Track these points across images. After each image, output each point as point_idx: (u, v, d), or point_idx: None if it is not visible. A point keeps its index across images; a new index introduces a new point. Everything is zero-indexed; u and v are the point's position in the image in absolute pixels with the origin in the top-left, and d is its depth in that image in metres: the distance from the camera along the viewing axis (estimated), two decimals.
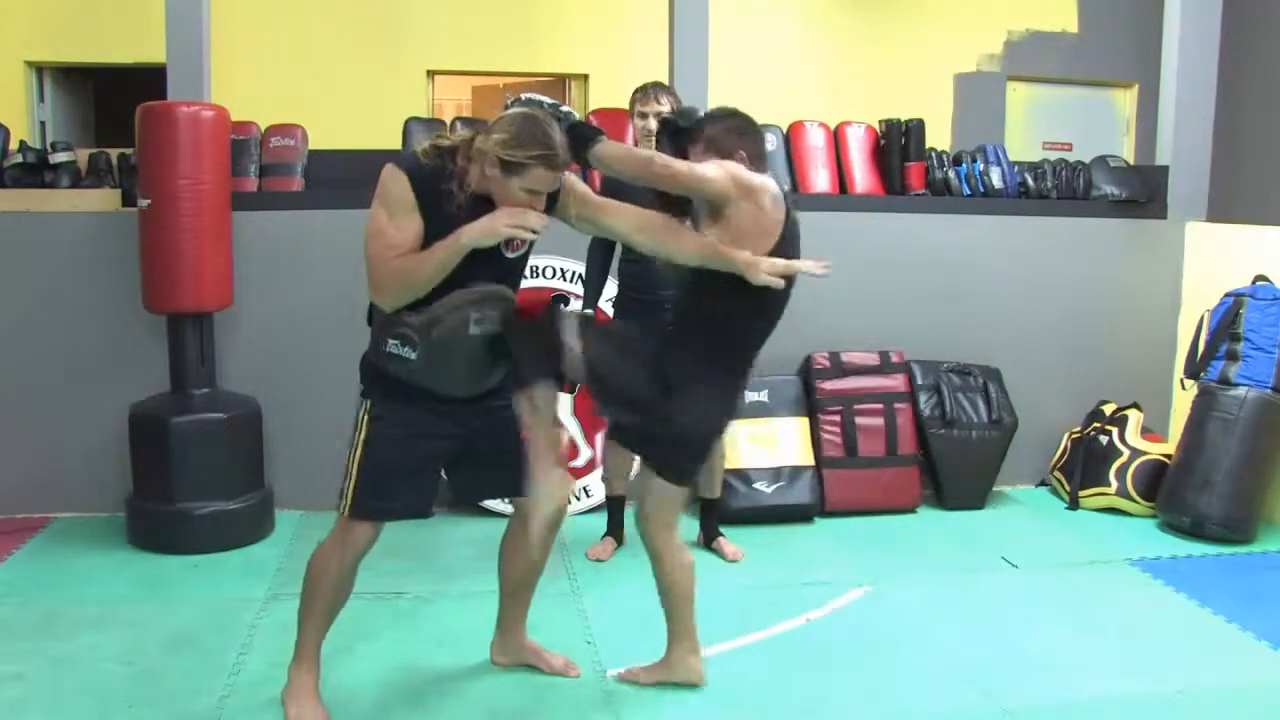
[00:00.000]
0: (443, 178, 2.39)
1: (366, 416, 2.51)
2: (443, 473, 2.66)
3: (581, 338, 2.43)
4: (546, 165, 2.35)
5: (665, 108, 3.54)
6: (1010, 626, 3.13)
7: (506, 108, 2.48)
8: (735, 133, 2.60)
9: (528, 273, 4.21)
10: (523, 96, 2.52)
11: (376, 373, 2.48)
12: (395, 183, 2.38)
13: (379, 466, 2.49)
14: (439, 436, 2.54)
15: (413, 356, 2.39)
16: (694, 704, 2.72)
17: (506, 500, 2.80)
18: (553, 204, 2.50)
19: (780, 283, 2.46)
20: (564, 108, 2.49)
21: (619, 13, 6.04)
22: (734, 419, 2.73)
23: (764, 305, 2.57)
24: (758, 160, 2.60)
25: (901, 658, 3.01)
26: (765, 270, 2.44)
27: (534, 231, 2.39)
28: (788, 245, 2.54)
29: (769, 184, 2.55)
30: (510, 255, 2.50)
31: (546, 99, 2.50)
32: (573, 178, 2.55)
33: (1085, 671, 2.94)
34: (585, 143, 2.43)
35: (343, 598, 2.60)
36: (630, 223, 2.57)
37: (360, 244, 2.44)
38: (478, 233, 2.36)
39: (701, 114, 2.73)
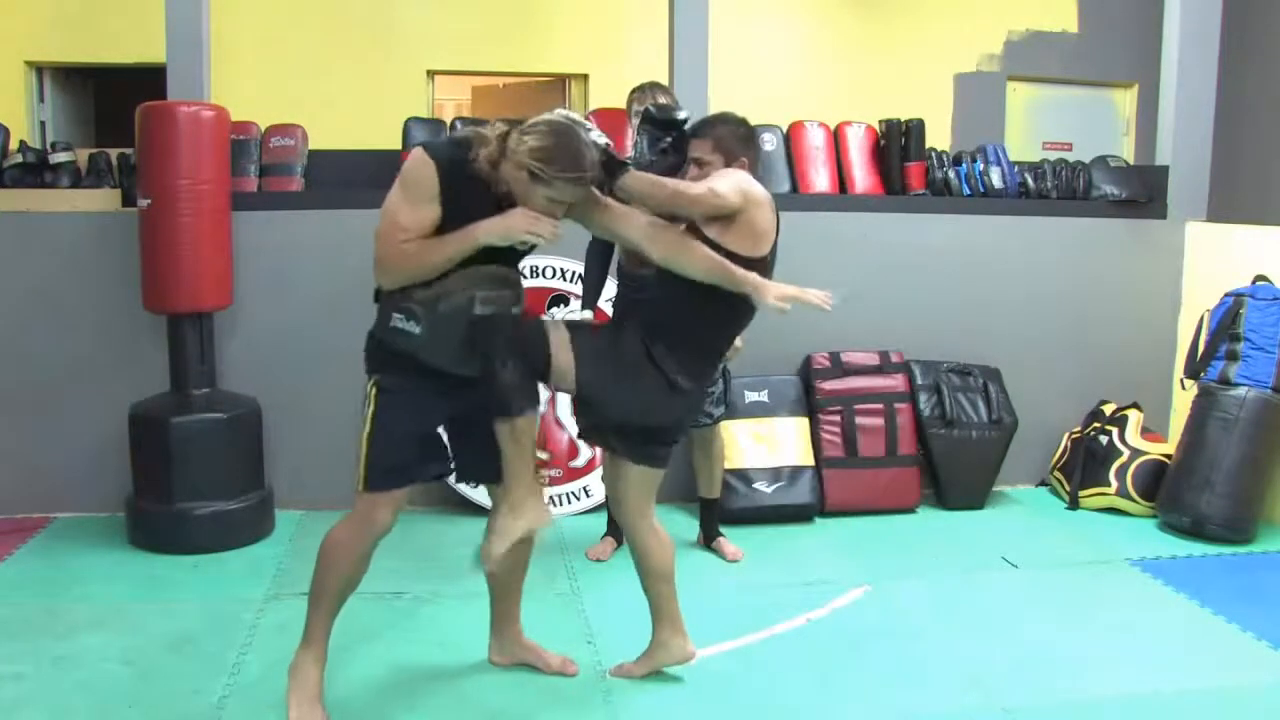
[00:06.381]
0: (469, 170, 2.38)
1: (374, 391, 2.50)
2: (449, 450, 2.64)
3: (569, 351, 2.49)
4: (575, 184, 2.38)
5: None
6: (1010, 626, 3.12)
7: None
8: (741, 140, 2.74)
9: (528, 272, 4.25)
10: (559, 112, 2.50)
11: (383, 349, 2.49)
12: (423, 168, 2.38)
13: (390, 435, 2.49)
14: (442, 408, 2.54)
15: (417, 331, 2.41)
16: (694, 704, 2.72)
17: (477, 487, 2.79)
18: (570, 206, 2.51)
19: (788, 308, 2.50)
20: (600, 137, 2.45)
21: (619, 13, 6.04)
22: (701, 408, 2.85)
23: (739, 314, 2.64)
24: (755, 166, 2.75)
25: (901, 658, 3.01)
26: (775, 296, 2.48)
27: (546, 239, 2.40)
28: (774, 251, 2.65)
29: (767, 196, 2.64)
30: (518, 249, 2.51)
31: (586, 122, 2.47)
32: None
33: (1085, 671, 2.94)
34: (613, 173, 2.46)
35: (355, 582, 2.59)
36: (643, 232, 2.58)
37: (362, 241, 2.45)
38: (494, 232, 2.38)
39: (681, 113, 2.88)
